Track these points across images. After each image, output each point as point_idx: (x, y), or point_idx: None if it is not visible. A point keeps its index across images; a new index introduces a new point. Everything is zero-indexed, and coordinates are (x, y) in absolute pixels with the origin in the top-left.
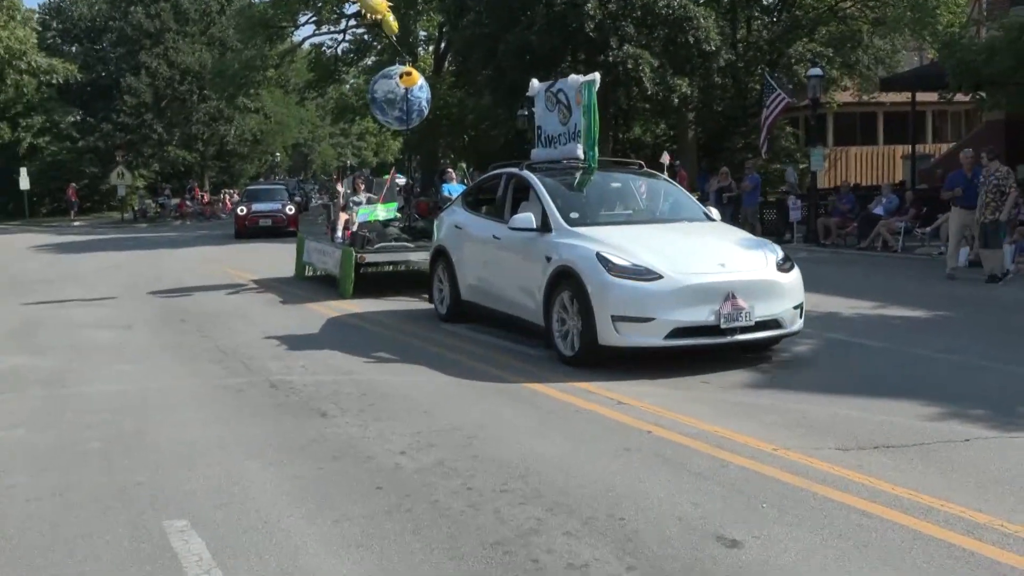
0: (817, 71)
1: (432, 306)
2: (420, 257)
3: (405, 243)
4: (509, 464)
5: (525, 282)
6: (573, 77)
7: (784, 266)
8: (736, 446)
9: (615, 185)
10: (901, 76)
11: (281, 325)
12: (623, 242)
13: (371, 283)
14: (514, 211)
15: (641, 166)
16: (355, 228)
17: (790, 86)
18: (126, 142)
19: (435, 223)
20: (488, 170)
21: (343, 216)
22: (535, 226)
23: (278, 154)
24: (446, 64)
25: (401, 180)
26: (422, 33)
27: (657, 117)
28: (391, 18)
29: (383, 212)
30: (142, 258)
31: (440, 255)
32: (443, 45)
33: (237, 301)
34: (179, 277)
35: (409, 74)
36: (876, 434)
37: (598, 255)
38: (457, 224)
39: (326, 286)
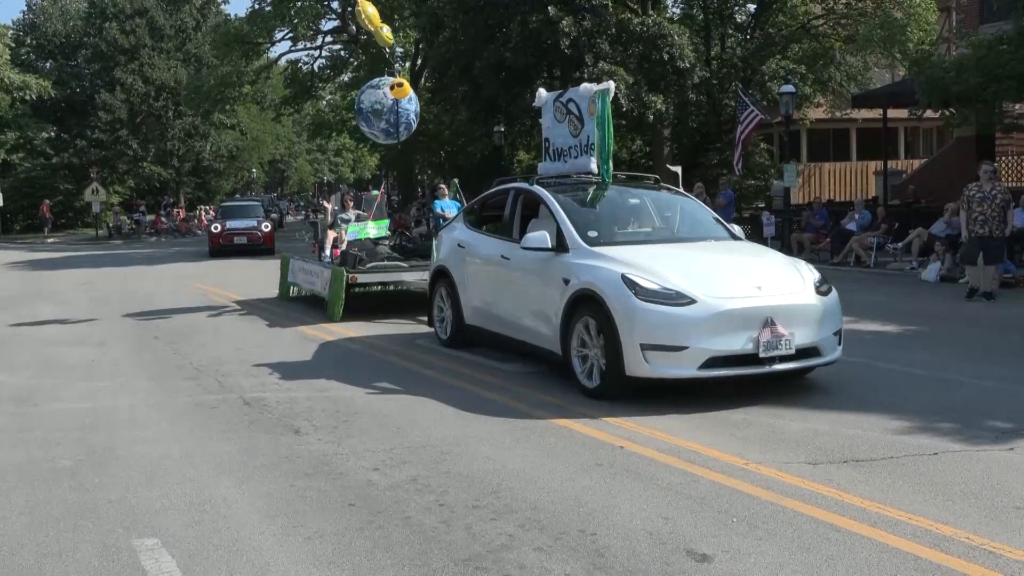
0: (790, 88)
1: (431, 330)
2: (415, 277)
3: (398, 262)
4: (482, 480)
5: (539, 306)
6: (585, 86)
7: (822, 288)
8: (708, 461)
9: (633, 201)
10: (873, 93)
11: (267, 350)
12: (649, 263)
13: (360, 305)
14: (523, 229)
15: (657, 181)
16: (344, 246)
17: (764, 103)
18: (101, 158)
19: (434, 241)
20: (492, 185)
21: (331, 234)
22: (550, 246)
23: (254, 170)
24: (422, 80)
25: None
26: (398, 50)
27: (632, 133)
28: (385, 31)
29: (374, 230)
30: (117, 275)
31: (441, 276)
32: (419, 61)
33: (217, 323)
34: (155, 296)
35: (400, 85)
36: (846, 448)
37: (623, 277)
38: (460, 243)
39: (313, 307)
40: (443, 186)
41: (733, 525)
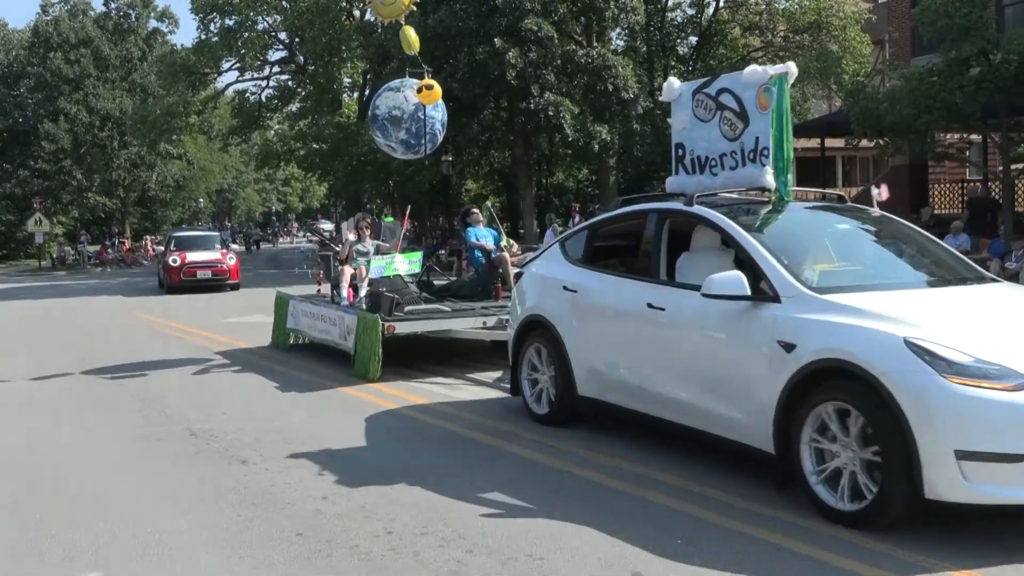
0: None
1: (499, 394)
2: (463, 326)
3: (437, 306)
4: (431, 507)
5: (727, 379)
6: (753, 69)
7: None
8: (656, 484)
9: (842, 227)
10: (811, 123)
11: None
12: (929, 320)
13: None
14: (671, 266)
15: (842, 198)
16: (364, 286)
17: None
18: (44, 188)
19: (517, 284)
20: (612, 206)
21: (347, 271)
22: (748, 291)
23: (201, 200)
24: (370, 110)
25: (327, 226)
26: (346, 80)
27: (579, 162)
28: (412, 35)
29: (404, 264)
30: (62, 309)
31: (535, 329)
32: (367, 92)
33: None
34: (110, 335)
35: (431, 87)
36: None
37: (909, 343)
38: (566, 285)
39: (327, 359)
40: (476, 211)
41: (679, 547)
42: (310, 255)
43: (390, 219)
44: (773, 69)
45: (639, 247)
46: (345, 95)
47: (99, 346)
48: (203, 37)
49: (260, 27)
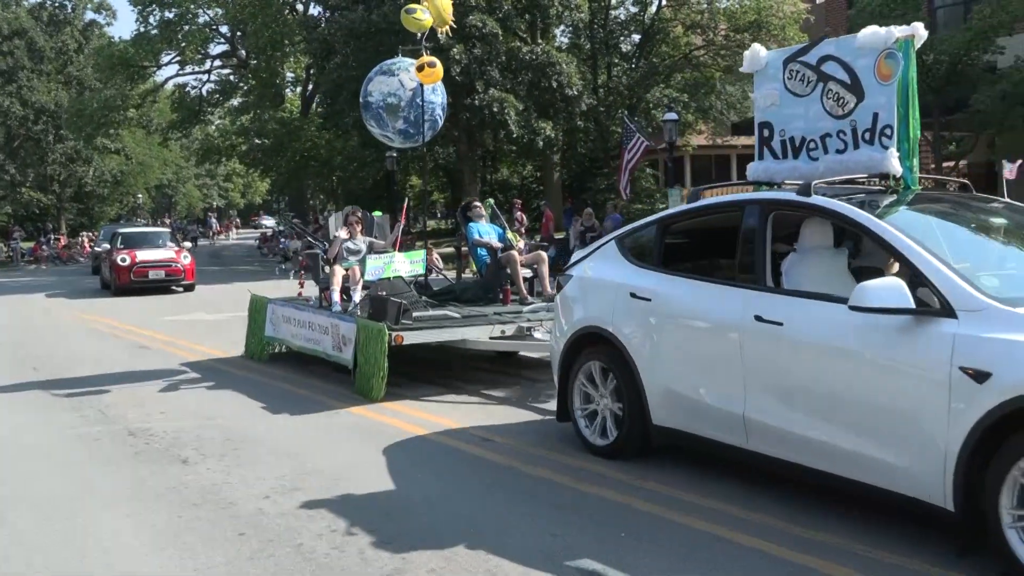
0: (672, 115)
1: (537, 416)
2: (478, 335)
3: (447, 313)
4: (375, 505)
5: (875, 413)
6: (872, 31)
7: None
8: (599, 479)
9: (997, 221)
10: (751, 120)
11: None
12: None
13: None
14: (776, 268)
15: (967, 187)
16: (359, 288)
17: (649, 129)
18: None
19: (561, 291)
20: (691, 196)
21: (338, 271)
22: (912, 304)
23: (140, 196)
24: (314, 106)
25: (269, 222)
26: (289, 75)
27: (523, 159)
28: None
29: (405, 264)
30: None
31: (591, 344)
32: (310, 87)
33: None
34: (52, 336)
35: (433, 65)
36: (730, 463)
37: None
38: (636, 292)
39: (313, 371)
40: (478, 204)
41: (621, 539)
42: (286, 258)
43: (378, 212)
44: (899, 31)
45: (732, 246)
46: (288, 90)
47: (40, 349)
48: (142, 30)
49: (201, 20)
